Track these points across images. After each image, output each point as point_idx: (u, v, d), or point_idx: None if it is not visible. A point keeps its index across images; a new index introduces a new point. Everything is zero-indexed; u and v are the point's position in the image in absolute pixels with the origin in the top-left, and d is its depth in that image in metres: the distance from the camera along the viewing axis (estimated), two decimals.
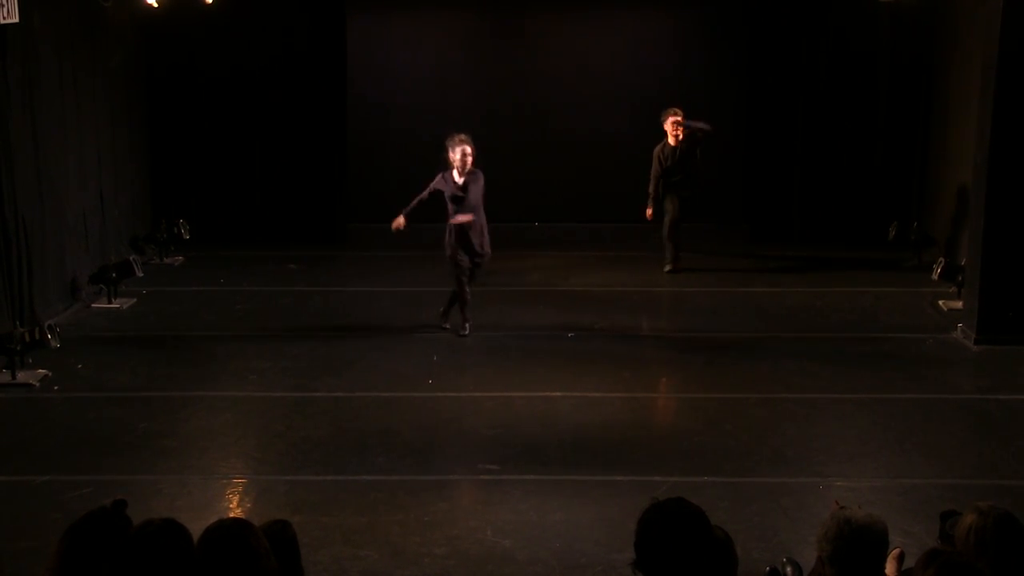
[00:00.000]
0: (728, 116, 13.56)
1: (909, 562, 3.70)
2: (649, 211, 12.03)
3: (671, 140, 11.92)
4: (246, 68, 13.45)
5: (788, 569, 4.35)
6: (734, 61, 13.85)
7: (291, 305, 11.04)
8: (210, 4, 12.16)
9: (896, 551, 3.81)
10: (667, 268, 12.03)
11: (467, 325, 9.92)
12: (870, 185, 13.55)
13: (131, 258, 11.43)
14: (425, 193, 9.82)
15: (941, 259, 11.14)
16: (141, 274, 11.38)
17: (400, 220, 9.89)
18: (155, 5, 11.64)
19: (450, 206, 9.72)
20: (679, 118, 11.86)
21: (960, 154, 11.57)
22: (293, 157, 13.60)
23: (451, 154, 9.66)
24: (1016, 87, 9.25)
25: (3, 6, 8.93)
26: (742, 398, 8.57)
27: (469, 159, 9.63)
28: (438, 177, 9.76)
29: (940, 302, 10.75)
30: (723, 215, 13.76)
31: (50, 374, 8.81)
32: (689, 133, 11.87)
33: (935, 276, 10.94)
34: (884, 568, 3.77)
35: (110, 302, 10.85)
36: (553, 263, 12.69)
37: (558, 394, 8.55)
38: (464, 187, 9.65)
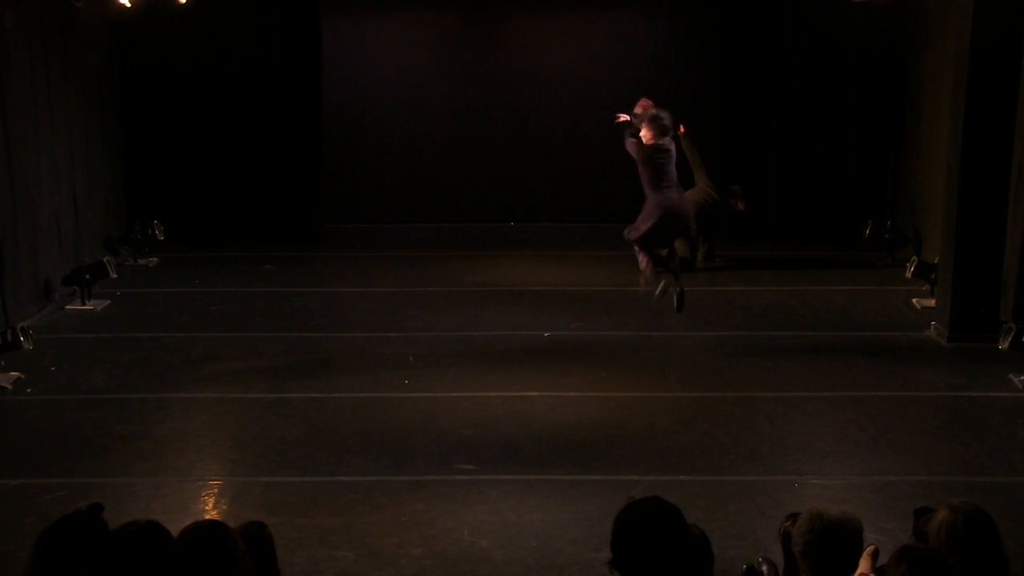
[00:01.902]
0: (703, 116, 13.61)
1: (883, 559, 3.72)
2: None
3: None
4: (221, 68, 13.39)
5: (764, 568, 4.38)
6: (709, 61, 13.89)
7: (267, 306, 11.00)
8: (184, 4, 12.10)
9: (870, 548, 3.84)
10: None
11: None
12: (844, 184, 13.63)
13: (105, 259, 11.36)
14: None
15: (914, 257, 11.23)
16: (115, 275, 11.32)
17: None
18: (128, 5, 11.56)
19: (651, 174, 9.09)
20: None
21: (933, 153, 11.66)
22: (268, 158, 13.55)
23: (647, 128, 9.11)
24: (987, 86, 9.33)
25: None
26: (718, 397, 8.61)
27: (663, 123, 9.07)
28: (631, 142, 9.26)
29: (914, 300, 10.83)
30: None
31: (23, 376, 8.73)
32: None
33: (908, 274, 11.02)
34: (857, 564, 3.79)
35: (84, 304, 10.78)
36: (529, 263, 12.70)
37: (535, 394, 8.55)
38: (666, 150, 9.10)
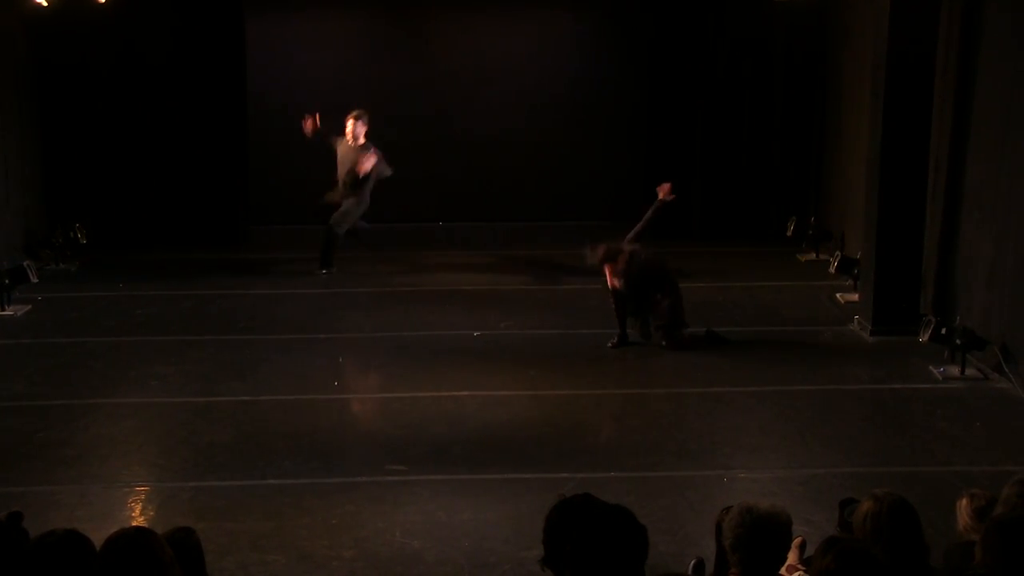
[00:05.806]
0: (629, 115, 13.71)
1: (811, 550, 3.78)
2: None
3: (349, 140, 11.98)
4: (142, 68, 13.17)
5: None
6: (635, 62, 13.98)
7: (192, 309, 10.86)
8: (103, 3, 11.89)
9: (798, 539, 3.90)
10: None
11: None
12: (768, 182, 13.82)
13: (25, 263, 11.13)
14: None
15: (837, 253, 11.42)
16: (36, 280, 11.08)
17: None
18: (44, 4, 11.34)
19: None
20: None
21: (854, 151, 11.86)
22: (192, 158, 13.37)
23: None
24: (905, 84, 9.52)
25: None
26: (646, 393, 8.68)
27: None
28: None
29: (837, 295, 11.02)
30: (624, 212, 13.87)
31: None
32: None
33: (832, 270, 11.21)
34: (786, 556, 3.85)
35: (3, 309, 10.55)
36: (457, 263, 12.69)
37: (464, 393, 8.55)
38: None
